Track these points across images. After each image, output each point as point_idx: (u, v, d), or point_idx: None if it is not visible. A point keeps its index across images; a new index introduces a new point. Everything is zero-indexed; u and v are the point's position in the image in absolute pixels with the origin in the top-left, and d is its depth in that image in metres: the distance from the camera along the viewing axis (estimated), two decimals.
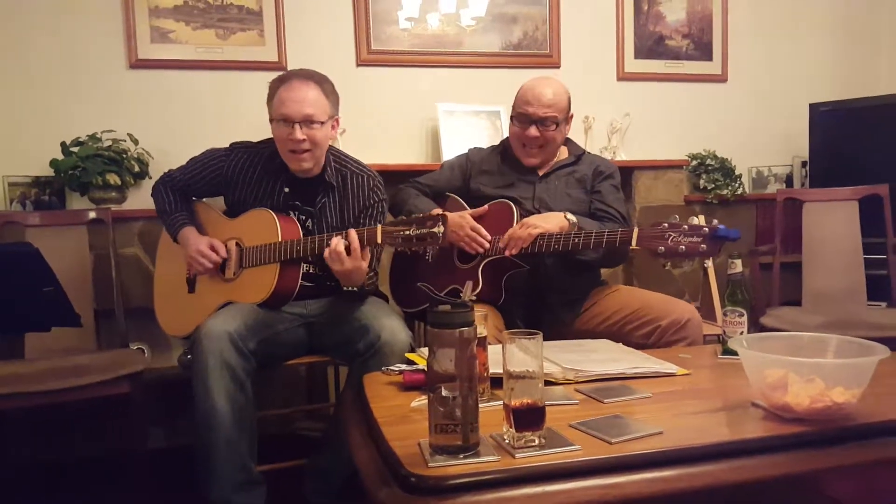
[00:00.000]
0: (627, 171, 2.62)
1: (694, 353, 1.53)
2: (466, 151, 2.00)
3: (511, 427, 0.94)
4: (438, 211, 1.55)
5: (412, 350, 1.55)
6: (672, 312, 1.69)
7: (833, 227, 2.39)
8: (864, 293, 2.33)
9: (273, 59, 2.43)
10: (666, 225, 1.53)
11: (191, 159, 1.81)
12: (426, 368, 0.96)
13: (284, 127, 1.63)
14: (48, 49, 2.27)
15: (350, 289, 1.64)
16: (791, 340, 1.18)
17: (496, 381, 1.12)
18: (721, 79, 2.94)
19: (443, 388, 0.90)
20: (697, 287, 2.60)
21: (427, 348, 0.94)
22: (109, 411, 1.81)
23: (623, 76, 2.82)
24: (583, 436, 0.99)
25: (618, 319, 1.77)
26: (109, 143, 2.25)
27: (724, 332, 1.47)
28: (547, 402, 0.96)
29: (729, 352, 1.43)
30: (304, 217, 1.75)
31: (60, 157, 2.20)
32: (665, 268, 1.59)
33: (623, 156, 2.70)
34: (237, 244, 1.74)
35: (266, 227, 1.67)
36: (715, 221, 1.50)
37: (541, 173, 1.87)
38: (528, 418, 0.93)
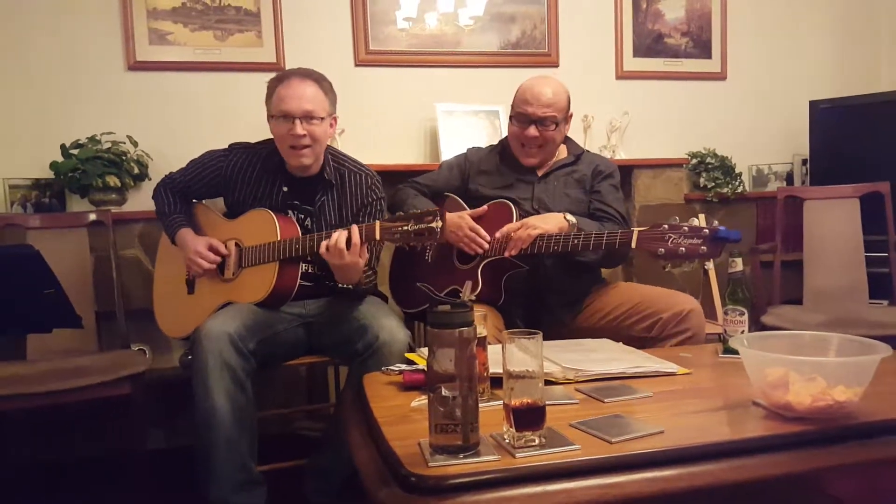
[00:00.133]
0: (627, 170, 2.62)
1: (695, 352, 1.53)
2: (465, 151, 2.00)
3: (511, 427, 0.94)
4: (436, 207, 1.55)
5: (411, 350, 1.55)
6: (673, 305, 1.68)
7: (834, 225, 2.39)
8: (866, 291, 2.32)
9: (271, 59, 2.43)
10: (666, 226, 1.52)
11: (190, 161, 1.82)
12: (426, 368, 0.96)
13: (284, 123, 1.64)
14: (47, 51, 2.28)
15: (346, 286, 1.64)
16: (792, 339, 1.18)
17: (496, 381, 1.12)
18: (720, 77, 2.93)
19: (443, 388, 0.90)
20: (698, 286, 2.59)
21: (427, 348, 0.94)
22: (110, 412, 1.81)
23: (622, 75, 2.81)
24: (583, 435, 0.98)
25: (619, 314, 1.77)
26: (109, 145, 2.25)
27: (725, 331, 1.47)
28: (547, 402, 0.96)
29: (730, 351, 1.43)
30: (302, 216, 1.75)
31: (60, 159, 2.20)
32: (665, 269, 1.58)
33: (622, 154, 2.69)
34: (236, 244, 1.74)
35: (265, 226, 1.68)
36: (715, 223, 1.50)
37: (540, 173, 1.87)
38: (529, 418, 0.93)
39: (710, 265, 2.35)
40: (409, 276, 1.95)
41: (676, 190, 2.72)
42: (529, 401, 0.93)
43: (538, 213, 1.78)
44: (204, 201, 1.89)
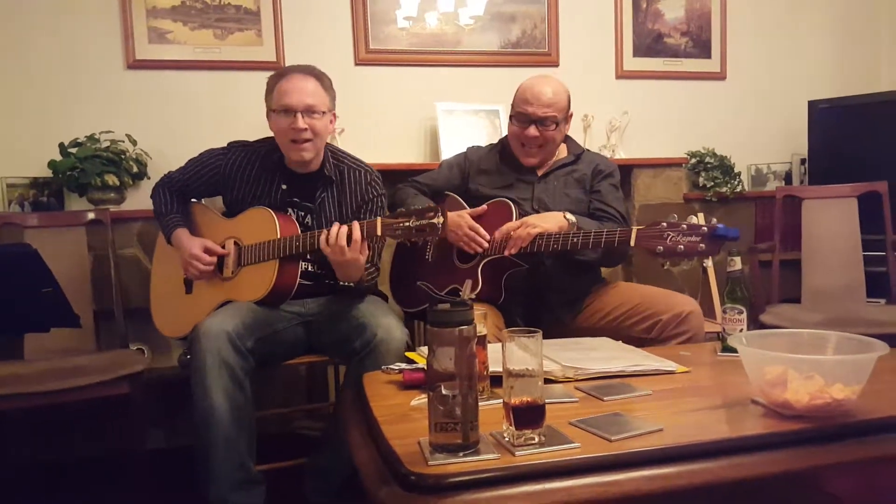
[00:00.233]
0: (626, 170, 2.62)
1: (694, 350, 1.53)
2: (465, 150, 2.00)
3: (511, 425, 0.94)
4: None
5: (408, 348, 1.55)
6: (673, 306, 1.69)
7: (832, 224, 2.39)
8: (864, 290, 2.33)
9: (271, 58, 2.43)
10: (665, 224, 1.53)
11: (189, 160, 1.82)
12: (426, 367, 0.96)
13: (286, 117, 1.64)
14: (46, 50, 2.27)
15: (347, 284, 1.64)
16: (790, 337, 1.18)
17: (496, 380, 1.12)
18: (720, 76, 2.94)
19: (442, 387, 0.90)
20: (697, 285, 2.60)
21: (427, 347, 0.94)
22: (109, 412, 1.81)
23: (622, 74, 2.82)
24: (582, 433, 0.99)
25: (618, 315, 1.77)
26: (108, 143, 2.25)
27: (724, 330, 1.47)
28: (547, 400, 0.96)
29: (728, 349, 1.43)
30: (303, 214, 1.75)
31: (58, 158, 2.20)
32: (664, 267, 1.58)
33: (622, 154, 2.70)
34: (235, 243, 1.74)
35: (264, 225, 1.68)
36: (714, 220, 1.50)
37: (540, 173, 1.87)
38: (528, 416, 0.93)
39: (708, 264, 2.35)
40: (409, 275, 1.95)
41: (676, 189, 2.72)
42: (529, 399, 0.93)
43: (538, 212, 1.78)
44: (203, 200, 1.88)
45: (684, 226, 1.50)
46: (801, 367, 1.02)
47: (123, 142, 2.27)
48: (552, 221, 1.68)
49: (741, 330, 1.44)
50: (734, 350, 1.30)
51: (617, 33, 2.79)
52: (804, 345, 1.15)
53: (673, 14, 2.86)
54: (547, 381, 1.18)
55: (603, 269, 2.02)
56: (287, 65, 2.37)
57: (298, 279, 1.68)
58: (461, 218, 1.75)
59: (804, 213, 2.43)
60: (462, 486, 0.85)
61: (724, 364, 1.39)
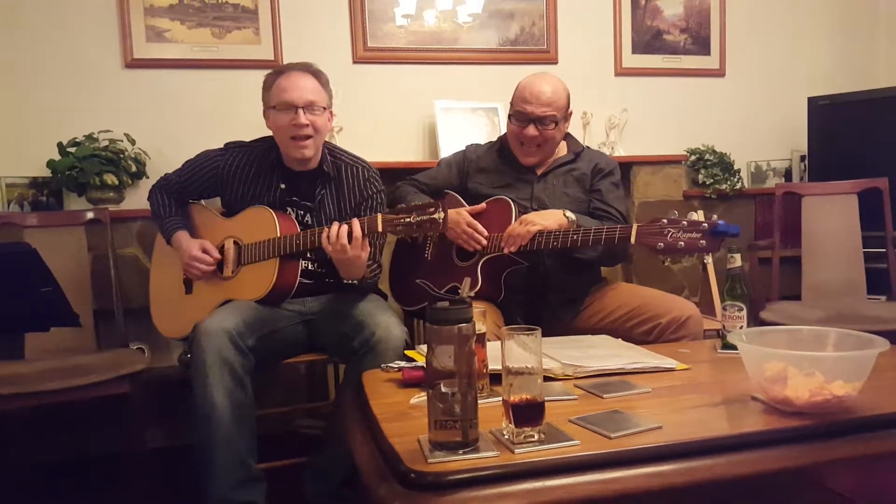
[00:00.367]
0: (626, 167, 2.62)
1: (693, 347, 1.53)
2: (464, 148, 2.00)
3: (510, 423, 0.94)
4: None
5: (408, 347, 1.55)
6: (672, 310, 1.68)
7: (832, 221, 2.39)
8: (864, 287, 2.33)
9: (269, 57, 2.43)
10: (665, 221, 1.52)
11: (186, 162, 1.81)
12: (425, 365, 0.96)
13: (286, 113, 1.64)
14: (44, 49, 2.27)
15: (351, 282, 1.64)
16: (790, 334, 1.18)
17: (495, 378, 1.12)
18: (719, 73, 2.93)
19: (442, 385, 0.90)
20: (697, 282, 2.60)
21: (426, 345, 0.94)
22: (109, 411, 1.81)
23: (621, 71, 2.81)
24: (582, 431, 0.98)
25: (618, 317, 1.76)
26: (106, 143, 2.24)
27: (724, 327, 1.47)
28: (546, 398, 0.96)
29: (728, 346, 1.43)
30: (302, 212, 1.75)
31: (57, 157, 2.19)
32: (664, 264, 1.58)
33: (621, 151, 2.69)
34: (235, 242, 1.74)
35: (264, 223, 1.67)
36: (714, 217, 1.50)
37: (539, 172, 1.86)
38: (528, 414, 0.93)
39: (709, 261, 2.35)
40: (408, 273, 1.95)
41: (675, 186, 2.72)
42: (528, 397, 0.93)
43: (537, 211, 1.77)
44: (202, 201, 1.88)
45: (685, 222, 1.50)
46: (802, 363, 1.02)
47: (122, 141, 2.27)
48: (552, 219, 1.68)
49: (741, 327, 1.44)
50: (734, 347, 1.30)
51: (616, 30, 2.79)
52: (804, 341, 1.15)
53: (672, 11, 2.85)
54: (546, 378, 1.18)
55: (603, 269, 2.02)
56: (286, 63, 2.39)
57: (299, 278, 1.68)
58: (460, 215, 1.75)
59: (804, 209, 2.43)
60: (461, 484, 0.85)
61: (724, 361, 1.39)
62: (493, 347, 1.20)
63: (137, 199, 2.28)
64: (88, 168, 2.16)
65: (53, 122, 2.26)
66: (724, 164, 2.78)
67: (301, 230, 1.67)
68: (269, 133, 1.74)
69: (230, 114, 2.37)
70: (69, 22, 2.28)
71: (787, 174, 3.00)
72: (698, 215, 1.54)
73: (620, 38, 2.80)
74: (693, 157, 2.81)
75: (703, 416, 1.07)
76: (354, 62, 2.53)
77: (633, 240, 1.56)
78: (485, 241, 1.73)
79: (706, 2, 2.89)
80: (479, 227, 1.73)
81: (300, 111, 1.63)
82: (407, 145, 2.60)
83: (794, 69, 3.01)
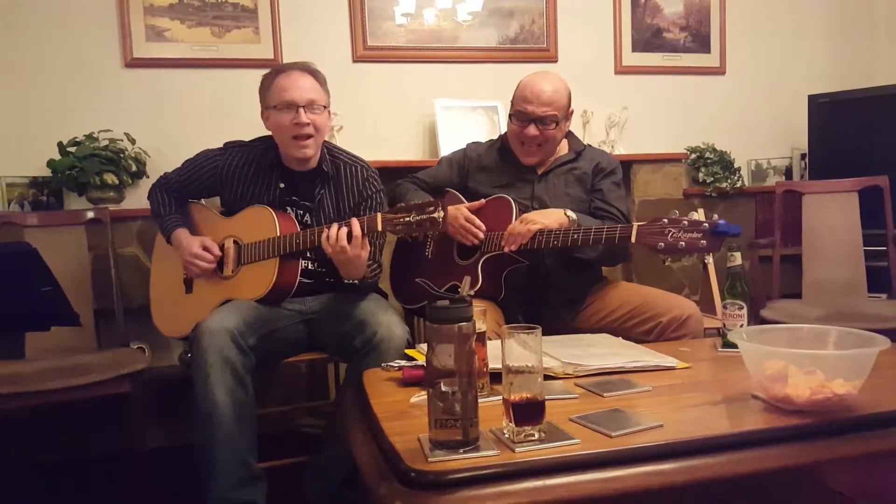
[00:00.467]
0: (626, 165, 2.61)
1: (694, 346, 1.53)
2: (464, 147, 1.99)
3: (511, 421, 0.94)
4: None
5: (409, 346, 1.55)
6: (673, 309, 1.68)
7: (833, 219, 2.39)
8: (865, 285, 2.33)
9: (269, 56, 2.43)
10: (665, 221, 1.51)
11: (185, 161, 1.81)
12: (425, 364, 0.96)
13: (287, 113, 1.63)
14: (44, 49, 2.27)
15: (351, 282, 1.64)
16: (791, 333, 1.18)
17: (496, 377, 1.12)
18: (719, 71, 2.93)
19: (442, 384, 0.90)
20: (697, 280, 2.59)
21: (426, 344, 0.94)
22: (110, 411, 1.81)
23: (621, 70, 2.81)
24: (583, 429, 0.98)
25: (619, 316, 1.76)
26: (106, 142, 2.24)
27: (724, 325, 1.47)
28: (546, 397, 0.96)
29: (729, 344, 1.43)
30: (301, 212, 1.75)
31: (57, 157, 2.19)
32: (665, 263, 1.58)
33: (621, 150, 2.69)
34: (235, 242, 1.74)
35: (263, 223, 1.67)
36: (715, 217, 1.49)
37: (540, 172, 1.85)
38: (528, 413, 0.93)
39: (709, 259, 2.35)
40: (409, 271, 1.95)
41: (675, 185, 2.72)
42: (529, 396, 0.93)
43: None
44: (202, 200, 1.88)
45: (685, 222, 1.50)
46: (802, 362, 1.02)
47: (122, 140, 2.27)
48: (552, 218, 1.67)
49: (741, 325, 1.44)
50: (734, 345, 1.30)
51: (616, 28, 2.79)
52: (805, 340, 1.15)
53: (672, 9, 2.85)
54: (546, 377, 1.18)
55: (603, 268, 2.01)
56: (285, 62, 2.39)
57: (299, 277, 1.68)
58: (458, 210, 1.75)
59: (804, 208, 2.43)
60: (462, 483, 0.85)
61: (725, 360, 1.39)
62: (493, 346, 1.20)
63: (138, 198, 2.28)
64: (88, 168, 2.16)
65: (53, 122, 2.26)
66: (725, 163, 2.77)
67: (301, 230, 1.67)
68: (269, 132, 1.73)
69: (230, 113, 2.37)
70: (69, 21, 2.28)
71: (788, 172, 3.00)
72: (699, 214, 1.53)
73: (620, 37, 2.79)
74: (693, 156, 2.81)
75: (704, 414, 1.07)
76: (354, 61, 2.53)
77: (633, 239, 1.56)
78: (482, 235, 1.72)
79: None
80: (477, 221, 1.73)
81: (301, 110, 1.63)
82: (407, 144, 2.60)
83: (794, 67, 3.01)
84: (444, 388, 0.89)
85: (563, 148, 1.90)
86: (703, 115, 2.91)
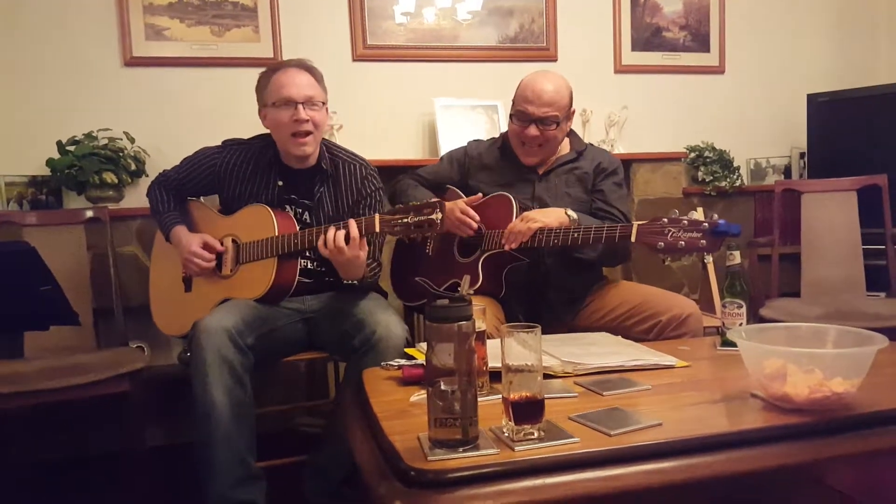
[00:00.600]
0: (626, 164, 2.61)
1: (693, 344, 1.53)
2: (465, 144, 1.99)
3: (510, 420, 0.94)
4: (436, 198, 1.54)
5: (408, 345, 1.55)
6: (672, 308, 1.68)
7: (832, 217, 2.39)
8: (863, 284, 2.33)
9: (268, 55, 2.42)
10: (665, 220, 1.51)
11: (184, 159, 1.81)
12: (425, 363, 0.96)
13: (286, 109, 1.63)
14: (43, 48, 2.27)
15: (351, 282, 1.64)
16: (790, 331, 1.18)
17: (495, 375, 1.12)
18: (718, 70, 2.93)
19: (442, 383, 0.90)
20: (696, 279, 2.60)
21: (426, 343, 0.94)
22: (109, 410, 1.81)
23: (620, 69, 2.81)
24: (582, 428, 0.98)
25: (618, 314, 1.76)
26: (105, 141, 2.24)
27: (723, 324, 1.47)
28: (546, 395, 0.96)
29: (728, 343, 1.43)
30: (300, 210, 1.75)
31: (56, 156, 2.19)
32: (665, 263, 1.58)
33: (621, 149, 2.69)
34: (233, 241, 1.74)
35: (262, 222, 1.67)
36: (715, 216, 1.49)
37: (541, 171, 1.85)
38: (527, 411, 0.93)
39: (708, 258, 2.35)
40: (409, 269, 1.95)
41: (675, 184, 2.72)
42: (528, 394, 0.93)
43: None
44: (201, 198, 1.88)
45: (685, 221, 1.49)
46: (801, 360, 1.02)
47: (121, 139, 2.27)
48: (553, 217, 1.67)
49: (740, 324, 1.44)
50: (733, 344, 1.30)
51: (615, 27, 2.79)
52: (803, 338, 1.15)
53: (671, 8, 2.85)
54: (546, 376, 1.18)
55: (604, 268, 2.01)
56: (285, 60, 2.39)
57: (297, 276, 1.68)
58: (454, 204, 1.74)
59: (803, 206, 2.43)
60: (461, 482, 0.85)
61: (724, 358, 1.39)
62: (492, 345, 1.20)
63: (137, 197, 2.28)
64: (88, 166, 2.15)
65: (53, 121, 2.26)
66: (724, 162, 2.78)
67: (300, 228, 1.67)
68: (267, 131, 1.73)
69: (229, 112, 2.37)
70: (68, 20, 2.28)
71: (787, 171, 3.00)
72: (698, 213, 1.53)
73: (620, 36, 2.79)
74: (693, 155, 2.81)
75: (703, 413, 1.07)
76: (354, 60, 2.53)
77: (633, 238, 1.56)
78: (475, 225, 1.72)
79: None
80: (471, 211, 1.72)
81: (300, 107, 1.62)
82: (407, 143, 2.60)
83: (793, 66, 3.01)
84: (443, 387, 0.89)
85: (565, 147, 1.89)
86: (702, 114, 2.91)
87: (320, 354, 1.77)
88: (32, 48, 2.26)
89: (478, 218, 1.72)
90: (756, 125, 2.99)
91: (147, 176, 2.28)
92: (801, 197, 2.44)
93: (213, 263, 1.71)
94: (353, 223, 1.53)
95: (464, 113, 2.55)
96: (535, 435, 0.93)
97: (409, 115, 2.59)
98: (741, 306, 1.44)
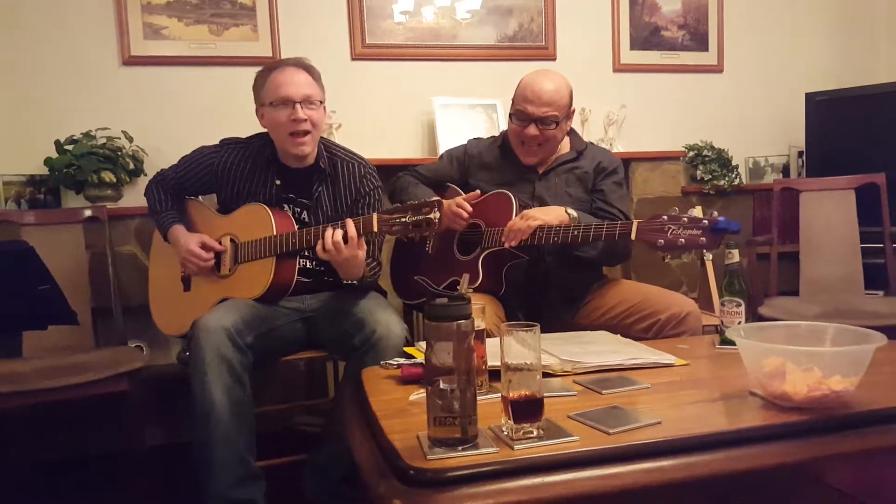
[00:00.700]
0: (624, 163, 2.59)
1: (692, 343, 1.53)
2: (465, 142, 1.99)
3: (509, 419, 0.94)
4: (435, 197, 1.54)
5: (408, 344, 1.55)
6: (672, 306, 1.68)
7: (830, 216, 2.39)
8: (862, 282, 2.33)
9: (267, 54, 2.42)
10: (665, 217, 1.51)
11: (182, 158, 1.81)
12: (424, 362, 0.96)
13: (284, 109, 1.62)
14: (41, 47, 2.26)
15: (351, 282, 1.64)
16: (788, 329, 1.18)
17: (494, 374, 1.12)
18: (717, 69, 2.93)
19: (441, 381, 0.90)
20: (695, 278, 2.60)
21: (425, 342, 0.94)
22: (108, 409, 1.80)
23: (619, 68, 2.81)
24: (581, 427, 0.98)
25: (618, 313, 1.76)
26: (104, 140, 2.24)
27: (722, 323, 1.47)
28: (545, 394, 0.96)
29: (727, 342, 1.43)
30: (298, 210, 1.75)
31: (55, 155, 2.19)
32: (665, 260, 1.58)
33: (620, 148, 2.69)
34: (231, 240, 1.74)
35: (260, 221, 1.67)
36: (714, 213, 1.49)
37: (541, 171, 1.84)
38: (527, 410, 0.93)
39: (708, 256, 2.35)
40: (409, 267, 1.95)
41: (674, 182, 2.72)
42: (527, 393, 0.93)
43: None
44: (199, 198, 1.88)
45: (685, 219, 1.49)
46: (799, 359, 1.03)
47: (120, 139, 2.27)
48: (553, 215, 1.67)
49: (739, 322, 1.44)
50: (732, 343, 1.30)
51: (614, 26, 2.79)
52: (802, 337, 1.15)
53: (670, 7, 2.85)
54: (545, 374, 1.18)
55: (603, 267, 2.01)
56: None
57: (296, 276, 1.68)
58: (451, 199, 1.74)
59: (802, 205, 2.43)
60: (461, 480, 0.85)
61: (723, 357, 1.39)
62: (492, 343, 1.20)
63: (135, 196, 2.27)
64: (86, 166, 2.15)
65: (51, 120, 2.25)
66: (723, 160, 2.78)
67: (298, 228, 1.67)
68: (264, 130, 1.73)
69: (228, 111, 2.36)
70: (67, 20, 2.27)
71: (785, 170, 3.00)
72: (696, 211, 1.53)
73: (618, 35, 2.79)
74: (691, 154, 2.81)
75: (702, 411, 1.07)
76: (353, 59, 2.52)
77: (633, 236, 1.56)
78: (466, 215, 1.72)
79: None
80: (466, 205, 1.72)
81: (297, 106, 1.62)
82: (406, 142, 2.60)
83: (791, 65, 3.01)
84: (442, 386, 0.89)
85: (565, 146, 1.89)
86: (701, 113, 2.91)
87: (319, 354, 1.77)
88: (31, 47, 2.26)
89: (470, 209, 1.72)
90: (754, 124, 2.99)
91: (145, 175, 2.27)
92: (799, 196, 2.44)
93: (212, 263, 1.71)
94: (350, 223, 1.53)
95: (463, 112, 2.55)
96: (535, 433, 0.93)
97: (408, 113, 2.59)
98: (740, 305, 1.44)
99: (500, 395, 0.97)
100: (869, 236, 2.36)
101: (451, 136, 2.44)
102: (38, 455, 2.18)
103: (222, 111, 2.38)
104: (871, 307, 2.15)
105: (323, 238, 1.53)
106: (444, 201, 1.69)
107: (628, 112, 2.74)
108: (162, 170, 1.84)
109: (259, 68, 1.73)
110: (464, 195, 1.79)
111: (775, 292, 2.41)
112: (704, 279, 2.40)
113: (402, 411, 1.10)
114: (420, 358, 1.33)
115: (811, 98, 2.80)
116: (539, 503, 0.86)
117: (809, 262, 2.40)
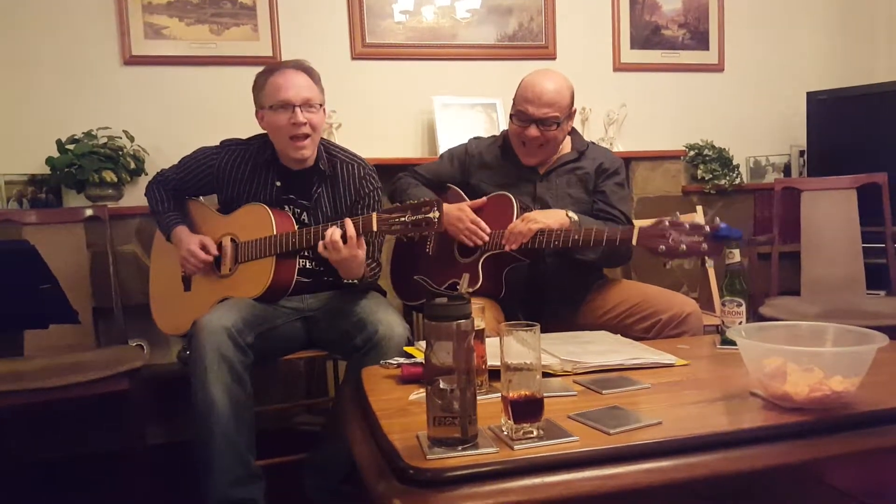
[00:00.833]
0: (625, 163, 2.60)
1: (693, 343, 1.53)
2: (466, 142, 1.98)
3: (509, 419, 0.94)
4: (435, 198, 1.54)
5: (410, 344, 1.55)
6: (673, 306, 1.68)
7: (831, 216, 2.39)
8: (863, 282, 2.33)
9: (267, 53, 2.42)
10: (667, 223, 1.50)
11: (182, 158, 1.81)
12: (424, 361, 0.96)
13: (284, 112, 1.62)
14: (42, 47, 2.26)
15: (351, 282, 1.64)
16: (789, 330, 1.18)
17: (494, 374, 1.12)
18: (718, 68, 2.93)
19: (441, 381, 0.89)
20: (696, 278, 2.60)
21: (425, 341, 0.94)
22: (109, 408, 1.81)
23: (619, 67, 2.81)
24: (581, 427, 0.98)
25: (618, 313, 1.76)
26: (105, 140, 2.24)
27: (723, 323, 1.47)
28: (545, 394, 0.95)
29: (727, 342, 1.43)
30: (298, 211, 1.75)
31: (56, 154, 2.19)
32: (666, 266, 1.57)
33: (620, 147, 2.69)
34: (232, 240, 1.74)
35: (260, 221, 1.67)
36: (717, 220, 1.48)
37: (542, 171, 1.84)
38: (527, 410, 0.93)
39: (709, 262, 2.35)
40: (409, 268, 1.94)
41: (674, 182, 2.72)
42: (527, 393, 0.93)
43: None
44: (200, 198, 1.88)
45: (687, 225, 1.48)
46: (801, 359, 1.02)
47: (121, 138, 2.27)
48: (554, 218, 1.67)
49: (740, 322, 1.44)
50: (733, 343, 1.30)
51: (614, 25, 2.78)
52: (803, 337, 1.15)
53: (670, 6, 2.85)
54: (545, 374, 1.18)
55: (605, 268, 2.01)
56: (283, 60, 2.38)
57: (296, 276, 1.68)
58: (462, 211, 1.74)
59: (803, 205, 2.43)
60: (460, 480, 0.85)
61: (723, 357, 1.39)
62: (491, 343, 1.20)
63: (136, 196, 2.28)
64: (87, 165, 2.15)
65: (52, 120, 2.25)
66: (723, 160, 2.77)
67: (298, 228, 1.67)
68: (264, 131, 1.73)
69: (229, 110, 2.36)
70: (68, 19, 2.28)
71: (786, 169, 3.00)
72: (698, 212, 1.53)
73: (619, 34, 2.79)
74: (692, 153, 2.81)
75: (703, 411, 1.07)
76: (353, 58, 2.52)
77: (634, 241, 1.55)
78: (486, 237, 1.72)
79: None
80: (482, 223, 1.72)
81: (297, 109, 1.62)
82: (405, 141, 2.60)
83: (792, 64, 3.01)
84: (442, 386, 0.89)
85: (566, 146, 1.87)
86: (701, 113, 2.91)
87: (320, 353, 1.77)
88: (32, 47, 2.26)
89: (488, 230, 1.72)
90: (755, 123, 2.98)
91: (146, 174, 2.27)
92: (800, 195, 2.44)
93: (211, 259, 1.71)
94: (349, 222, 1.53)
95: (463, 111, 2.55)
96: (535, 433, 0.93)
97: (408, 113, 2.59)
98: (741, 305, 1.44)
99: (499, 395, 0.97)
100: (870, 236, 2.36)
101: (451, 136, 2.44)
102: (39, 454, 2.18)
103: (223, 111, 2.38)
104: (872, 307, 2.15)
105: (323, 237, 1.53)
106: (452, 210, 1.70)
107: (629, 111, 2.74)
108: (162, 170, 1.84)
109: (259, 68, 1.73)
110: (468, 202, 1.79)
111: (776, 292, 2.41)
112: (705, 279, 2.39)
113: (402, 411, 1.10)
114: (420, 357, 1.33)
115: (812, 97, 2.79)
116: (539, 503, 0.86)
117: (811, 261, 2.39)
